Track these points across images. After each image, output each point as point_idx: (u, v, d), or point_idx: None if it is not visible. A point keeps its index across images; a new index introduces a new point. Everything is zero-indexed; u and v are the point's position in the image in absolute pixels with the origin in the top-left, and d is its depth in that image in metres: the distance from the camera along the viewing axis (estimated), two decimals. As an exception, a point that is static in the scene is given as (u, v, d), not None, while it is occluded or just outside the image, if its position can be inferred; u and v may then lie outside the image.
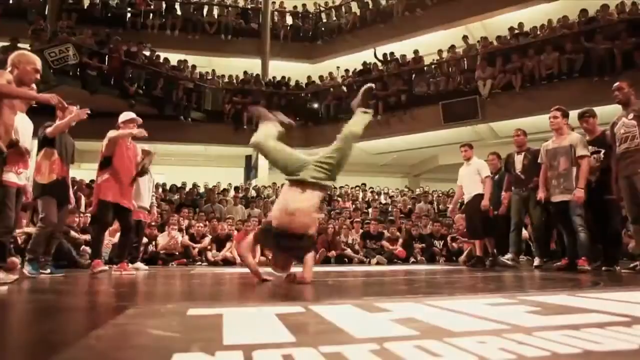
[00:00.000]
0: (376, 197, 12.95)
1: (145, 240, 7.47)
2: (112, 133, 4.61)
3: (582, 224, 4.51)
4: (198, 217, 8.76)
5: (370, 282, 3.79)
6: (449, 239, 8.31)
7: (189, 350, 1.08)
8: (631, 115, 4.14)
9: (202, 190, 11.98)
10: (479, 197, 5.79)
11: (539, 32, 10.94)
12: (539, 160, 5.01)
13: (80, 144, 6.29)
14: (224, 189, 12.07)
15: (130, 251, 5.82)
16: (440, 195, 12.05)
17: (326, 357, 1.02)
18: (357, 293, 2.94)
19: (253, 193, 12.57)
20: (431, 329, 1.33)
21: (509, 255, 5.39)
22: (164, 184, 12.20)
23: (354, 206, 11.59)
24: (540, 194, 4.85)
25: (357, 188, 13.62)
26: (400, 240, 8.41)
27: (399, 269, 5.89)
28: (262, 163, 14.58)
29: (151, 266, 7.05)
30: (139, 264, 5.87)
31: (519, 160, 5.46)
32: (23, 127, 3.68)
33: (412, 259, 8.06)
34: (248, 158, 15.51)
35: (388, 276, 4.41)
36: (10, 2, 13.48)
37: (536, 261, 5.11)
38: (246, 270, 3.65)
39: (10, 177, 3.48)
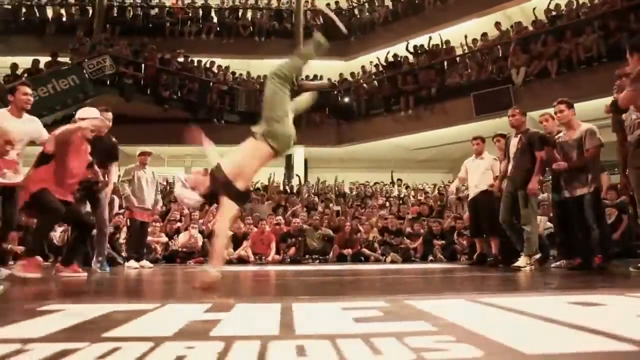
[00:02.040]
0: (412, 192, 12.64)
1: (165, 238, 7.83)
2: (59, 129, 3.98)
3: (596, 220, 4.22)
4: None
5: (326, 281, 3.72)
6: (455, 235, 7.93)
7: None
8: None
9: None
10: (488, 193, 5.49)
11: (577, 11, 10.13)
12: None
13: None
14: (256, 188, 12.30)
15: (136, 250, 6.12)
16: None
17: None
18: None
19: (288, 190, 12.69)
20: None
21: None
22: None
23: (388, 203, 11.42)
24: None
25: (391, 184, 13.38)
26: (421, 238, 8.16)
27: (392, 268, 5.73)
28: (297, 162, 14.75)
29: (169, 264, 7.38)
30: (145, 262, 6.09)
31: (513, 144, 5.00)
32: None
33: (430, 257, 7.78)
34: (288, 157, 15.73)
35: (364, 275, 4.32)
36: (64, 19, 14.58)
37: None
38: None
39: None
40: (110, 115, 4.91)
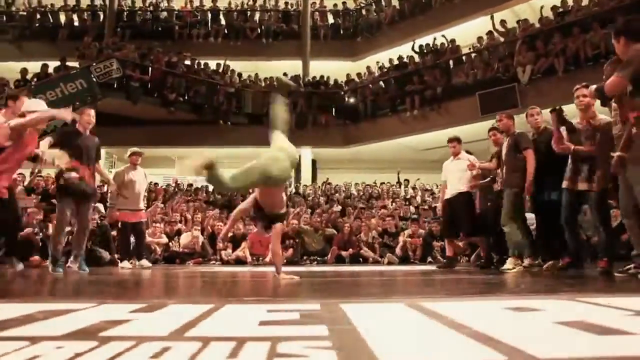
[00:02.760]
0: (419, 193, 12.52)
1: (165, 239, 7.91)
2: (13, 121, 4.01)
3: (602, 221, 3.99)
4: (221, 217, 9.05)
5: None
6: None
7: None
8: None
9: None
10: (464, 195, 5.40)
11: (584, 6, 9.89)
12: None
13: (125, 150, 6.79)
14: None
15: (127, 250, 6.18)
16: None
17: None
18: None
19: (293, 191, 12.70)
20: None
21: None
22: (206, 186, 12.78)
23: (394, 203, 11.32)
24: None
25: (398, 185, 13.28)
26: (421, 239, 8.06)
27: (376, 270, 5.65)
28: (304, 163, 14.74)
29: (168, 265, 7.45)
30: (144, 262, 6.18)
31: (504, 148, 4.96)
32: None
33: (429, 259, 7.68)
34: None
35: (335, 277, 4.27)
36: (76, 24, 14.91)
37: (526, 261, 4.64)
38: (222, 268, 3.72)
39: None
40: (92, 111, 4.92)
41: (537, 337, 1.19)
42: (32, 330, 1.32)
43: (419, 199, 12.06)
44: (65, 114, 4.24)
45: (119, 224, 6.23)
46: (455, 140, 5.83)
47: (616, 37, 3.33)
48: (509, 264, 4.56)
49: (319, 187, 13.25)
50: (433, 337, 1.19)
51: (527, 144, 4.68)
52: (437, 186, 13.52)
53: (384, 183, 13.26)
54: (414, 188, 12.90)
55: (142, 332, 1.29)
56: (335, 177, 14.29)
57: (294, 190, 12.68)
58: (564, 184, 4.16)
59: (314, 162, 15.17)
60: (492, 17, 11.39)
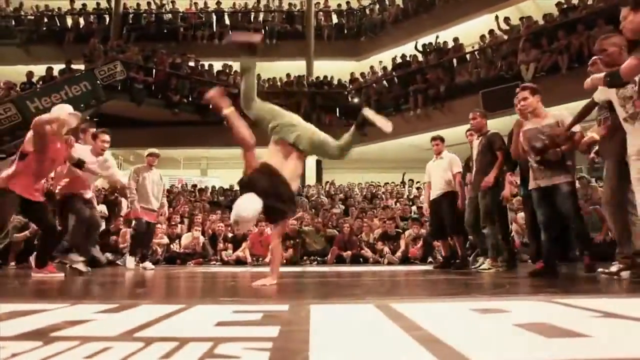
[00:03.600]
0: (422, 192, 12.44)
1: (166, 240, 7.95)
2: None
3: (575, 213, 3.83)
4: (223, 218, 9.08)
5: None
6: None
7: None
8: None
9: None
10: (449, 194, 5.37)
11: (590, 3, 9.77)
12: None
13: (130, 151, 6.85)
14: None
15: (140, 250, 6.18)
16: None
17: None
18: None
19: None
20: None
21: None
22: (213, 187, 12.85)
23: (398, 204, 11.26)
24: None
25: (402, 184, 13.21)
26: (421, 240, 8.00)
27: (369, 270, 5.62)
28: (308, 163, 14.75)
29: (169, 265, 7.49)
30: (147, 264, 6.14)
31: (475, 147, 4.96)
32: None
33: (429, 259, 7.63)
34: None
35: (324, 277, 4.26)
36: (81, 27, 15.07)
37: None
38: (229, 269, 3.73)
39: None
40: (107, 137, 5.09)
41: (487, 341, 1.17)
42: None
43: (422, 198, 11.98)
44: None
45: (133, 221, 6.23)
46: (439, 138, 5.80)
47: (635, 8, 2.89)
48: (487, 264, 4.56)
49: (323, 187, 13.24)
50: (378, 340, 1.18)
51: (501, 145, 4.68)
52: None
53: (387, 183, 13.21)
54: (418, 188, 12.82)
55: (95, 332, 1.29)
56: (340, 177, 14.27)
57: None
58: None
59: (318, 162, 15.16)
60: (496, 18, 11.30)
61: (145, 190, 6.10)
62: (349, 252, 7.88)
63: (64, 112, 4.02)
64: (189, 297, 2.67)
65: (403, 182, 13.38)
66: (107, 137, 5.02)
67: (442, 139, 5.75)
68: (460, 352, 1.01)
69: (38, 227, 4.42)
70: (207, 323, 1.44)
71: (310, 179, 14.34)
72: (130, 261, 6.02)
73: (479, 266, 4.87)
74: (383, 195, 12.37)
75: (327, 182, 13.71)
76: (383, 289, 3.07)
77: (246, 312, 1.68)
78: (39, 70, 11.85)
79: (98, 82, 10.77)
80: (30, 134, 3.91)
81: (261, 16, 15.57)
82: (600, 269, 3.53)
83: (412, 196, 12.29)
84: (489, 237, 4.69)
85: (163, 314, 1.60)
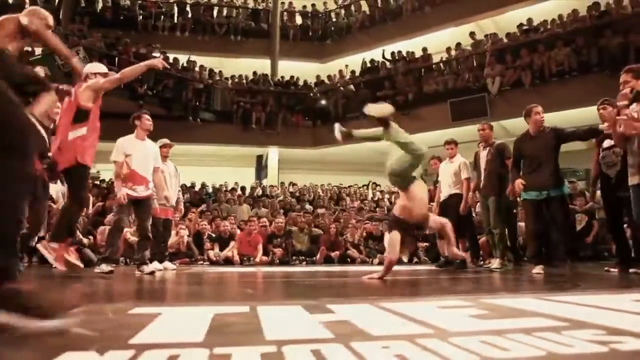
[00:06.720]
0: (386, 196, 12.86)
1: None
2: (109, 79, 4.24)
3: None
4: (204, 216, 8.83)
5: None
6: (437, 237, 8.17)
7: (86, 349, 1.08)
8: None
9: (210, 190, 12.12)
10: (455, 196, 5.72)
11: (549, 27, 10.69)
12: None
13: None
14: (232, 189, 12.14)
15: (161, 250, 5.61)
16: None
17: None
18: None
19: (259, 192, 12.59)
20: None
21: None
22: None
23: (361, 205, 11.54)
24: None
25: (365, 187, 13.56)
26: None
27: (352, 270, 5.81)
28: (272, 163, 14.65)
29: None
30: (167, 264, 5.65)
31: (483, 156, 5.43)
32: None
33: (415, 259, 7.96)
34: (259, 158, 15.58)
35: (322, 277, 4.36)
36: (27, 7, 13.78)
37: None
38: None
39: None
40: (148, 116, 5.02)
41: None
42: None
43: (387, 201, 12.39)
44: (157, 61, 4.34)
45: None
46: (453, 142, 6.12)
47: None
48: (497, 264, 4.96)
49: (286, 188, 13.24)
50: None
51: (510, 154, 5.07)
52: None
53: (351, 186, 13.50)
54: (381, 191, 13.23)
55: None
56: (297, 178, 14.29)
57: (260, 192, 12.58)
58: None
59: (277, 162, 15.10)
60: (471, 34, 12.04)
61: (161, 184, 5.30)
62: (337, 252, 8.01)
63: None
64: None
65: (366, 185, 13.72)
66: (148, 116, 5.03)
67: (455, 143, 6.06)
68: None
69: (70, 196, 3.94)
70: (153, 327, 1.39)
71: (272, 179, 14.26)
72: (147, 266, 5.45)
73: (489, 266, 5.23)
74: (347, 197, 12.65)
75: (290, 182, 13.70)
76: (350, 290, 3.18)
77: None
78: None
79: (58, 67, 9.94)
80: (81, 89, 3.77)
81: (225, 11, 15.23)
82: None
83: (376, 198, 12.67)
84: (501, 237, 5.05)
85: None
